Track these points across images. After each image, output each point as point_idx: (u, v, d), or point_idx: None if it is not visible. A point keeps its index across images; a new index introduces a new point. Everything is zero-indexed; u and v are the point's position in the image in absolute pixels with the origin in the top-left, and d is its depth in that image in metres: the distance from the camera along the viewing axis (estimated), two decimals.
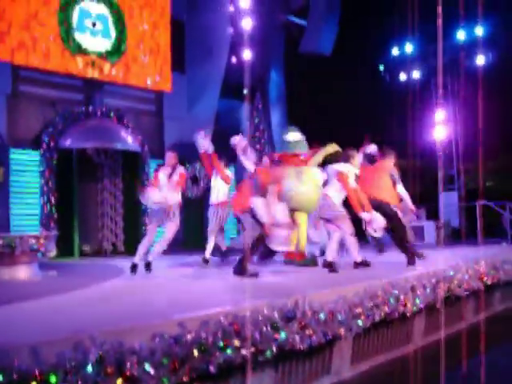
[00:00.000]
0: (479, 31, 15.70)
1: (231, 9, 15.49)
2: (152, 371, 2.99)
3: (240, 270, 6.45)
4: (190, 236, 13.41)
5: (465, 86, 14.71)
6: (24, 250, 7.30)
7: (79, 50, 12.46)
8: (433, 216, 14.16)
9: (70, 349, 2.87)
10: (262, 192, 6.67)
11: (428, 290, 5.70)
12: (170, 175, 7.50)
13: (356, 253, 7.28)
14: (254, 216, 6.61)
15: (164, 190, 7.36)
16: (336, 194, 7.27)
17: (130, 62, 13.45)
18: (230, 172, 9.02)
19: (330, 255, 7.15)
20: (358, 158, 7.80)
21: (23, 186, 11.59)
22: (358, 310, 4.66)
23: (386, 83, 17.49)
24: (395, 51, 17.59)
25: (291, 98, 17.34)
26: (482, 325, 7.04)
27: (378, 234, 7.42)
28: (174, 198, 7.36)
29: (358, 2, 16.72)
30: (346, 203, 7.30)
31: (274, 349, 3.76)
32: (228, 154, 9.08)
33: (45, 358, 2.75)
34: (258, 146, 16.23)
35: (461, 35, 15.97)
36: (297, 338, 3.93)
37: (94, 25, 12.80)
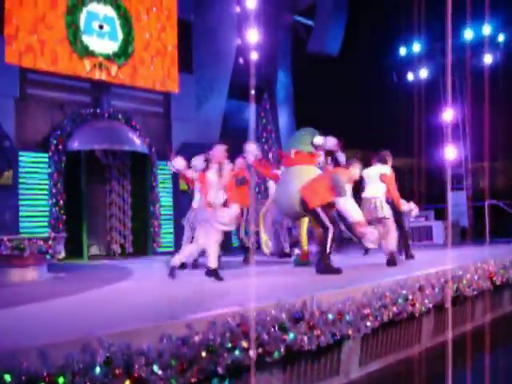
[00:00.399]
0: (487, 30, 15.64)
1: (237, 9, 15.50)
2: (160, 372, 3.00)
3: (323, 268, 6.56)
4: None
5: (473, 85, 14.65)
6: (33, 252, 7.34)
7: (87, 53, 12.50)
8: (441, 216, 14.10)
9: (78, 351, 2.88)
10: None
11: (437, 290, 5.68)
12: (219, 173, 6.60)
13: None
14: (338, 213, 6.81)
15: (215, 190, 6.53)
16: (382, 196, 7.50)
17: (138, 63, 13.49)
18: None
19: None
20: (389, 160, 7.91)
21: (32, 188, 11.64)
22: (367, 311, 4.65)
23: (393, 83, 17.44)
24: (403, 51, 17.54)
25: (299, 98, 17.33)
26: (491, 325, 7.01)
27: (374, 246, 7.17)
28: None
29: (365, 1, 16.69)
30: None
31: (282, 350, 3.76)
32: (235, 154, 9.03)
33: (53, 359, 2.76)
34: (265, 147, 16.23)
35: (468, 34, 15.92)
36: (305, 338, 3.93)
37: (101, 27, 12.83)
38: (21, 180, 11.47)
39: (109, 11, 13.06)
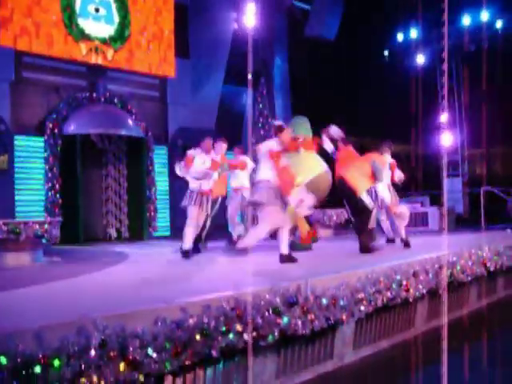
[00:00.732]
0: (484, 16, 15.60)
1: None
2: (154, 355, 3.02)
3: (366, 248, 7.19)
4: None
5: (470, 71, 14.64)
6: (28, 236, 7.35)
7: (82, 36, 12.42)
8: (437, 202, 14.14)
9: (73, 333, 2.90)
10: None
11: (431, 276, 5.71)
12: None
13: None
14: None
15: None
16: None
17: (134, 47, 13.41)
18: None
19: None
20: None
21: (27, 172, 11.62)
22: (361, 296, 4.68)
23: (390, 68, 17.39)
24: (400, 36, 17.50)
25: (295, 83, 17.27)
26: (485, 310, 7.06)
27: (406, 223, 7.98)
28: None
29: None
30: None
31: (276, 333, 3.78)
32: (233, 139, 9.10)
33: (48, 342, 2.78)
34: (261, 132, 16.21)
35: (466, 20, 15.87)
36: (299, 322, 3.96)
37: (97, 10, 12.74)
38: (16, 164, 11.45)
39: None
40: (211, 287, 4.37)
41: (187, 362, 3.22)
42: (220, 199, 8.50)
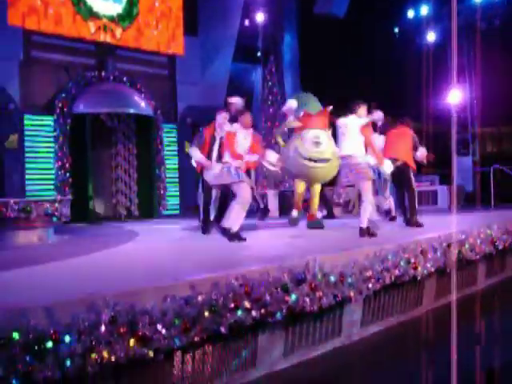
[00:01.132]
0: None
1: None
2: (164, 331, 3.06)
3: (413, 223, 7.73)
4: None
5: (481, 48, 14.47)
6: (39, 215, 7.41)
7: (91, 14, 12.39)
8: (446, 181, 14.09)
9: (83, 309, 2.94)
10: None
11: (439, 254, 5.71)
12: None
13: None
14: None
15: None
16: None
17: (142, 25, 13.36)
18: None
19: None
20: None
21: (37, 151, 11.68)
22: (369, 273, 4.69)
23: (401, 46, 17.22)
24: (410, 13, 17.29)
25: (305, 60, 17.15)
26: (493, 289, 7.06)
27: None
28: None
29: None
30: None
31: (285, 310, 3.81)
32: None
33: (59, 318, 2.82)
34: (271, 110, 16.16)
35: None
36: (307, 300, 3.98)
37: None
38: (26, 143, 11.50)
39: None
40: (220, 264, 4.41)
41: (196, 338, 3.26)
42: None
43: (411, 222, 7.84)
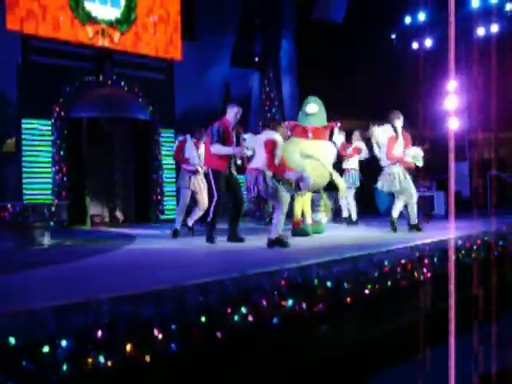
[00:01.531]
0: None
1: None
2: (160, 336, 3.05)
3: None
4: None
5: (478, 55, 14.52)
6: (37, 219, 7.40)
7: (89, 19, 12.40)
8: (443, 187, 14.10)
9: (80, 314, 2.94)
10: None
11: (436, 260, 5.72)
12: None
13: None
14: None
15: None
16: None
17: (140, 30, 13.38)
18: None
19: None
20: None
21: (35, 155, 11.67)
22: (365, 279, 4.69)
23: (398, 52, 17.26)
24: (408, 19, 17.34)
25: (302, 65, 17.18)
26: (491, 294, 7.07)
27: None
28: None
29: None
30: None
31: (281, 316, 3.81)
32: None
33: (56, 322, 2.82)
34: (268, 115, 16.16)
35: (475, 3, 15.71)
36: (303, 305, 3.98)
37: None
38: (24, 147, 11.49)
39: None
40: (218, 269, 4.41)
41: (193, 344, 3.25)
42: None
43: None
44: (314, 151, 7.79)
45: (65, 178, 11.74)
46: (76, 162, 11.94)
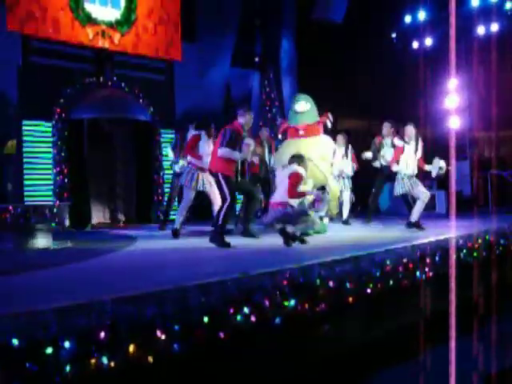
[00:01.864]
0: None
1: None
2: (163, 337, 3.06)
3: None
4: None
5: (478, 54, 14.51)
6: (38, 220, 7.41)
7: (89, 20, 12.40)
8: (444, 185, 14.10)
9: (83, 315, 2.94)
10: None
11: (437, 259, 5.73)
12: None
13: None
14: None
15: None
16: None
17: (141, 31, 13.38)
18: None
19: None
20: None
21: (36, 156, 11.67)
22: (367, 278, 4.70)
23: (398, 51, 17.25)
24: (408, 18, 17.33)
25: (302, 65, 17.19)
26: (492, 293, 7.07)
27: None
28: None
29: None
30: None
31: (283, 316, 3.82)
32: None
33: (59, 323, 2.83)
34: (268, 116, 16.17)
35: (475, 2, 15.70)
36: (306, 305, 3.99)
37: None
38: (25, 149, 11.50)
39: None
40: (220, 269, 4.42)
41: (195, 344, 3.26)
42: None
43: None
44: (308, 151, 7.77)
45: (66, 180, 11.73)
46: (77, 163, 11.92)
